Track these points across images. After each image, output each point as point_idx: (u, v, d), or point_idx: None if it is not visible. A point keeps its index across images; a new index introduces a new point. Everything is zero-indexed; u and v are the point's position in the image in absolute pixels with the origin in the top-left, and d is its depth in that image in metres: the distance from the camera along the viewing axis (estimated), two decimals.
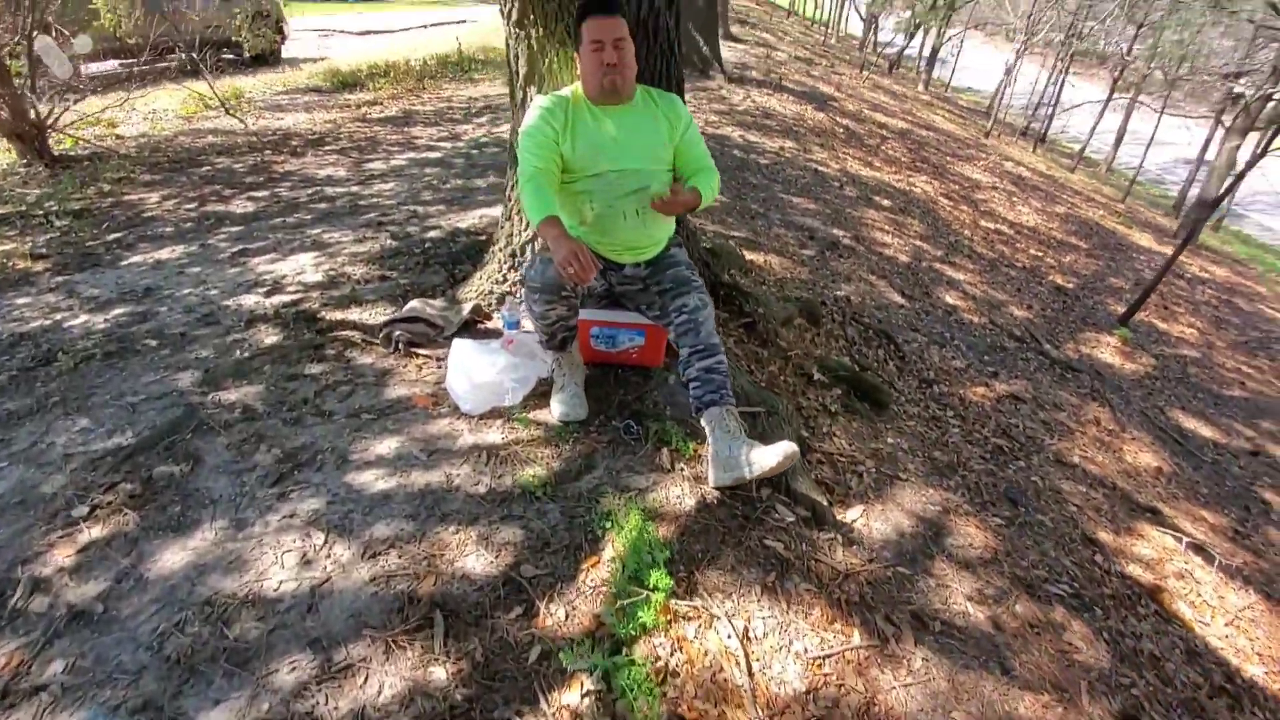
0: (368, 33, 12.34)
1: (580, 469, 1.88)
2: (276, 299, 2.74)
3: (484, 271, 2.59)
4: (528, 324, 2.35)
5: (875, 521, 2.02)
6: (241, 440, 1.90)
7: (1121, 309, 5.60)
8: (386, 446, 1.91)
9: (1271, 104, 10.13)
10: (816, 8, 23.69)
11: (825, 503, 1.98)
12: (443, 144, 5.40)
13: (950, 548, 2.03)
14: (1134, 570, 2.34)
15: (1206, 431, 3.81)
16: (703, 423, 1.94)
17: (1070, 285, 5.62)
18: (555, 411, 2.03)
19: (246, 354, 2.32)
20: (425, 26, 13.19)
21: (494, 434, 1.98)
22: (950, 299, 4.22)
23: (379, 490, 1.76)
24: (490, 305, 2.54)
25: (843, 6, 21.68)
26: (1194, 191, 15.41)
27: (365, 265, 3.05)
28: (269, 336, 2.44)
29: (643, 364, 2.28)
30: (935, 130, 12.09)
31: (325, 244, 3.32)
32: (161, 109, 6.37)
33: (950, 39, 21.28)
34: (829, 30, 20.66)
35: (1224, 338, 5.97)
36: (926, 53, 19.89)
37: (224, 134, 5.57)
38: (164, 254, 3.28)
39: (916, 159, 8.51)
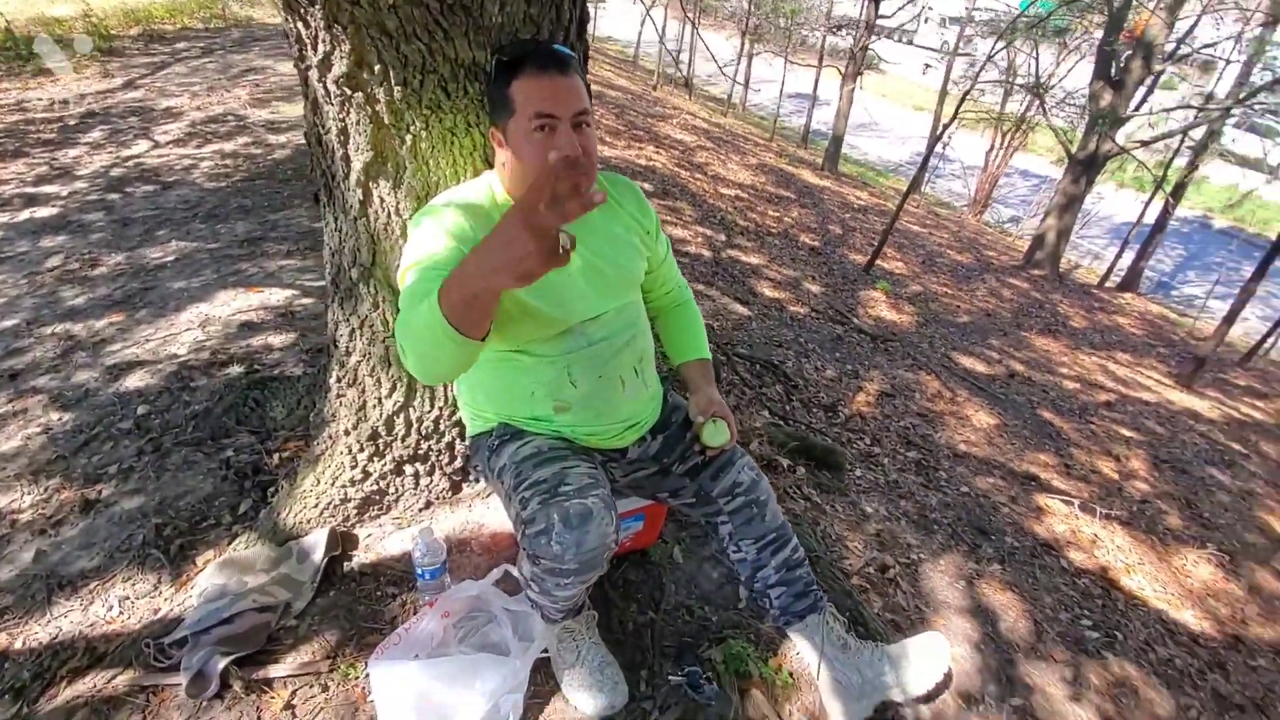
0: None
1: None
2: None
3: (320, 469, 1.55)
4: (438, 544, 1.49)
5: (957, 645, 1.72)
6: None
7: (853, 255, 6.26)
8: None
9: (869, 51, 12.34)
10: None
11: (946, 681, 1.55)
12: (51, 190, 3.53)
13: (1007, 633, 1.85)
14: (1078, 558, 2.47)
15: (980, 368, 4.41)
16: (796, 637, 1.39)
17: (817, 244, 6.08)
18: (586, 706, 1.26)
19: None
20: None
21: None
22: (769, 292, 4.13)
23: None
24: (350, 521, 1.55)
25: None
26: (814, 124, 18.66)
27: (32, 483, 1.69)
28: None
29: (635, 549, 1.60)
30: (619, 89, 12.24)
31: None
32: None
33: None
34: None
35: (916, 263, 7.12)
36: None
37: None
38: None
39: (630, 127, 8.43)
